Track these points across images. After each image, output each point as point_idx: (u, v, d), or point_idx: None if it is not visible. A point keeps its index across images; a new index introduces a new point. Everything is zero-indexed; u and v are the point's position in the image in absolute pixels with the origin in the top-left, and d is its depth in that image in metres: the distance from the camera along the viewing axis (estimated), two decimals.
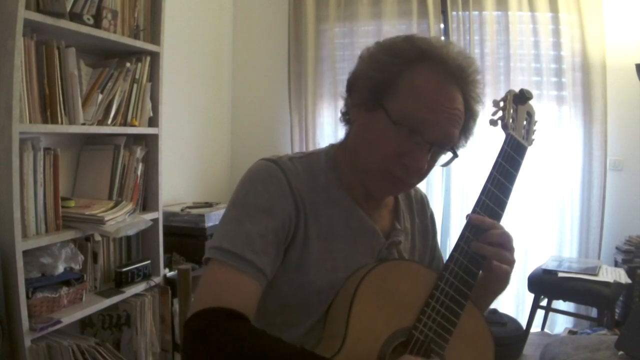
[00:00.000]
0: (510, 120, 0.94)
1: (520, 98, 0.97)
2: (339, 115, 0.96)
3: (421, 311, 0.83)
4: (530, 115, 1.00)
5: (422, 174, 0.86)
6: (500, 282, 0.91)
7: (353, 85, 0.89)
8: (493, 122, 0.94)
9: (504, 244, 0.87)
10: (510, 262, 0.88)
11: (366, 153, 0.86)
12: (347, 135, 0.95)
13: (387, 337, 0.80)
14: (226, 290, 0.77)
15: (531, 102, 1.01)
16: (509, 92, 0.97)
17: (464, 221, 0.90)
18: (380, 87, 0.84)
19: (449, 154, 0.88)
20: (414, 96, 0.82)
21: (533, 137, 1.00)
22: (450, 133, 0.84)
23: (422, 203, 1.08)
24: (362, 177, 0.90)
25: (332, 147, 0.97)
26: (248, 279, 0.78)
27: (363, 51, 0.91)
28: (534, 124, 1.01)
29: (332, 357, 0.75)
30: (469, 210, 0.90)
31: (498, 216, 0.90)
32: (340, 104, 0.97)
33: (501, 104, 0.96)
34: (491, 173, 0.90)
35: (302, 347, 0.73)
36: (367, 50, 0.90)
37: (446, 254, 0.97)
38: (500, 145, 0.94)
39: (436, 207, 3.15)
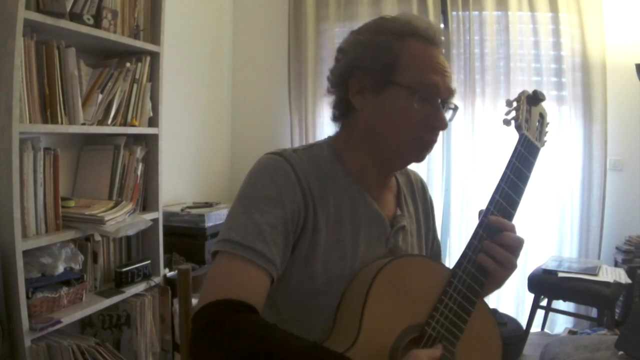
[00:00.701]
0: (524, 121, 0.95)
1: (534, 99, 0.98)
2: (333, 113, 0.97)
3: (434, 308, 0.84)
4: (542, 116, 1.01)
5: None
6: (497, 284, 0.93)
7: (351, 75, 0.91)
8: (507, 122, 0.96)
9: (515, 249, 0.88)
10: (514, 267, 0.89)
11: (394, 129, 0.89)
12: (346, 125, 0.96)
13: (399, 332, 0.81)
14: (235, 282, 0.77)
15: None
16: (523, 92, 0.98)
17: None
18: (389, 66, 0.87)
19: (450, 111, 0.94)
20: (420, 64, 0.88)
21: (545, 138, 1.01)
22: (452, 89, 0.91)
23: (422, 187, 1.11)
24: (387, 156, 0.92)
25: (331, 139, 0.98)
26: (258, 269, 0.78)
27: (345, 44, 0.94)
28: (546, 126, 1.01)
29: (345, 351, 0.76)
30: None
31: (510, 216, 0.91)
32: None
33: (514, 104, 0.96)
34: (505, 172, 0.92)
35: (315, 342, 0.73)
36: (351, 41, 0.93)
37: (445, 254, 0.98)
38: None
39: (436, 207, 3.14)
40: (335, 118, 0.97)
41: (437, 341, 0.83)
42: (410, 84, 0.86)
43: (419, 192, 1.09)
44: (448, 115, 0.92)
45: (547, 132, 1.01)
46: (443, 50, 0.92)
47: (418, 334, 0.82)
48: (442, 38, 0.92)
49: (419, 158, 0.96)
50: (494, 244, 0.87)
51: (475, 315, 0.86)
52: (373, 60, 0.88)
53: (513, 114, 0.95)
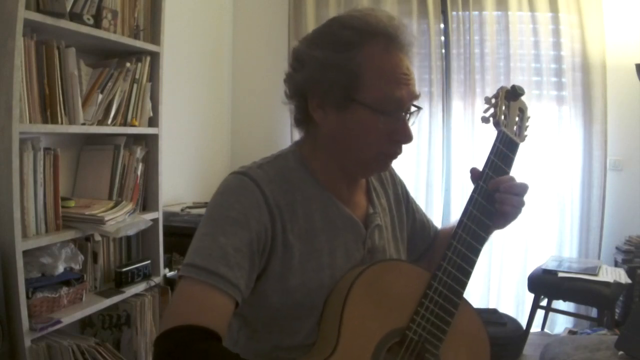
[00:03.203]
0: (502, 117, 0.94)
1: (513, 94, 0.97)
2: (294, 119, 0.94)
3: (415, 311, 0.83)
4: (522, 111, 0.99)
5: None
6: (506, 221, 0.94)
7: (310, 91, 0.87)
8: (485, 120, 0.94)
9: (523, 193, 0.91)
10: (522, 205, 0.92)
11: (358, 147, 0.87)
12: (310, 132, 0.93)
13: (381, 338, 0.80)
14: (198, 308, 0.75)
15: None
16: (501, 88, 0.97)
17: None
18: (349, 86, 0.83)
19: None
20: (381, 80, 0.83)
21: (525, 133, 1.00)
22: (416, 94, 0.87)
23: (389, 173, 1.09)
24: (351, 168, 0.91)
25: (297, 146, 0.95)
26: (221, 295, 0.76)
27: (300, 54, 0.88)
28: (527, 120, 1.00)
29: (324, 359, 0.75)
30: None
31: (490, 212, 0.90)
32: None
33: (493, 100, 0.95)
34: (483, 170, 0.91)
35: None
36: (307, 54, 0.86)
37: None
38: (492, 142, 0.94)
39: (436, 207, 3.16)
40: (298, 124, 0.94)
41: (420, 345, 0.82)
42: (373, 103, 0.83)
43: (387, 179, 1.07)
44: (412, 118, 0.89)
45: (527, 126, 1.00)
46: (408, 44, 0.86)
47: (399, 338, 0.82)
48: (406, 34, 0.86)
49: (384, 169, 0.97)
50: (507, 194, 0.89)
51: (460, 316, 0.86)
52: (332, 81, 0.83)
53: (491, 110, 0.94)
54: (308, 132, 0.93)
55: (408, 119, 0.87)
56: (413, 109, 0.88)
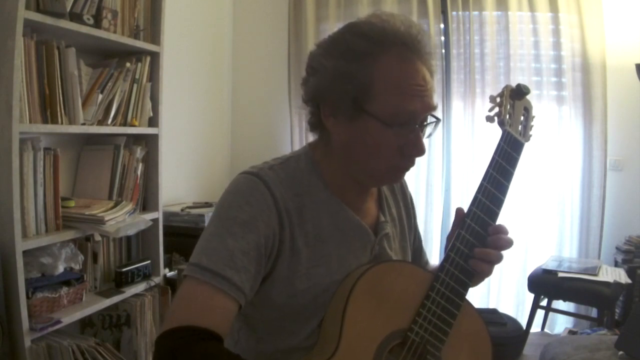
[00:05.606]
0: (507, 116, 0.92)
1: (517, 93, 0.95)
2: (308, 123, 0.93)
3: (416, 312, 0.83)
4: (527, 110, 0.97)
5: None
6: (483, 278, 0.92)
7: (321, 99, 0.86)
8: (489, 119, 0.93)
9: (506, 249, 0.88)
10: (499, 260, 0.89)
11: (369, 159, 0.85)
12: (324, 138, 0.91)
13: (382, 339, 0.80)
14: (201, 309, 0.74)
15: (531, 101, 1.00)
16: (506, 87, 0.95)
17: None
18: (360, 96, 0.81)
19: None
20: (393, 91, 0.81)
21: (530, 132, 0.97)
22: (432, 106, 0.84)
23: (401, 185, 1.08)
24: (362, 178, 0.90)
25: (310, 149, 0.94)
26: (225, 297, 0.76)
27: (313, 62, 0.87)
28: (532, 120, 0.98)
29: None
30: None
31: (494, 214, 0.89)
32: None
33: (498, 99, 0.93)
34: (487, 170, 0.89)
35: None
36: (318, 62, 0.85)
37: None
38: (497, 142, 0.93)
39: (436, 207, 3.16)
40: (312, 128, 0.93)
41: (422, 346, 0.82)
42: (384, 115, 0.81)
43: (398, 189, 1.06)
44: (428, 130, 0.87)
45: (532, 126, 0.98)
46: (427, 54, 0.84)
47: (401, 339, 0.82)
48: (426, 43, 0.83)
49: (396, 181, 0.96)
50: (487, 249, 0.86)
51: (462, 318, 0.85)
52: (342, 91, 0.82)
53: (496, 110, 0.92)
54: (321, 137, 0.92)
55: (422, 132, 0.85)
56: (430, 119, 0.85)
